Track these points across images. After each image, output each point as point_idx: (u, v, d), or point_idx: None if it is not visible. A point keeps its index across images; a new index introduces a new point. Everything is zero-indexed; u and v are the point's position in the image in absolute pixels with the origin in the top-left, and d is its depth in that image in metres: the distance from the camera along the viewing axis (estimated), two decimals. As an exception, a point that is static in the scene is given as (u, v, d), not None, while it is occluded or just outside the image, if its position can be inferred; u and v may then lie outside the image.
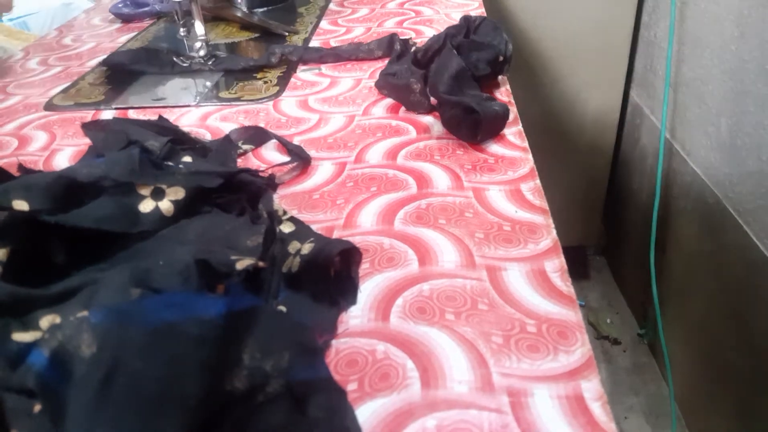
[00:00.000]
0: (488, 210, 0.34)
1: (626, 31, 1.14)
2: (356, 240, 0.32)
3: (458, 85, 0.43)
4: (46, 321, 0.21)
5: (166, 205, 0.29)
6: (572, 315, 0.26)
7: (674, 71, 1.02)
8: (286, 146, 0.42)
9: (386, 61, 0.52)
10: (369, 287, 0.29)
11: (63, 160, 0.44)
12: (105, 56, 0.65)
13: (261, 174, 0.36)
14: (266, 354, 0.21)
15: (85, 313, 0.20)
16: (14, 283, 0.23)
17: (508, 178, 0.37)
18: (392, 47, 0.57)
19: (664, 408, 1.10)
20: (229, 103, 0.52)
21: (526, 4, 1.12)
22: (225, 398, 0.20)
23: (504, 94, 0.49)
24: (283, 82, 0.55)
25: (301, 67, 0.59)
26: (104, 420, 0.18)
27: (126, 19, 0.81)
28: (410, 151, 0.41)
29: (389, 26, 0.69)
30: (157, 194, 0.29)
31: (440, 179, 0.38)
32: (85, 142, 0.43)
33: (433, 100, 0.47)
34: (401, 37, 0.58)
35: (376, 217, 0.34)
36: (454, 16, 0.71)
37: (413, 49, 0.48)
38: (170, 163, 0.35)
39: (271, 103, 0.52)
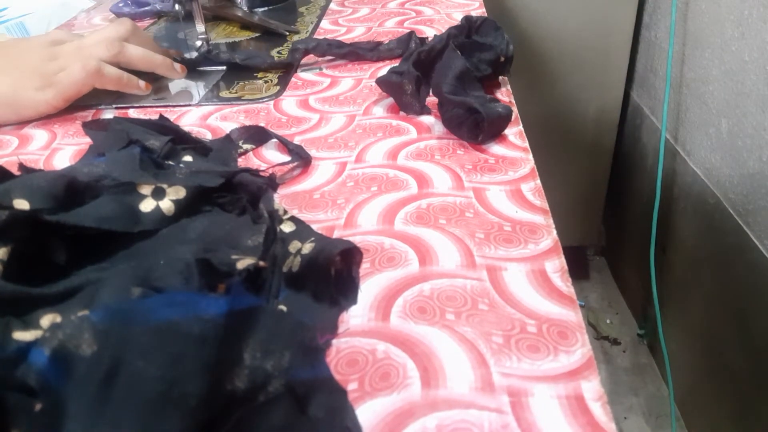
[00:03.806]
0: (489, 210, 0.34)
1: (627, 31, 1.14)
2: (357, 240, 0.32)
3: (462, 85, 0.44)
4: (46, 320, 0.22)
5: (166, 205, 0.29)
6: (572, 315, 0.26)
7: (675, 72, 1.02)
8: (287, 146, 0.42)
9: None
10: (369, 287, 0.29)
11: (63, 160, 0.44)
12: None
13: (261, 173, 0.36)
14: (267, 353, 0.21)
15: (86, 312, 0.20)
16: (15, 282, 0.23)
17: (509, 179, 0.37)
18: (409, 45, 0.57)
19: (663, 408, 1.10)
20: (229, 103, 0.52)
21: (526, 4, 1.12)
22: (226, 398, 0.20)
23: (505, 94, 0.49)
24: (283, 81, 0.55)
25: (301, 67, 0.59)
26: (105, 419, 0.18)
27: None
28: (411, 151, 0.41)
29: (390, 26, 0.69)
30: (158, 193, 0.30)
31: (441, 179, 0.38)
32: (86, 141, 0.43)
33: (428, 101, 0.47)
34: (419, 36, 0.58)
35: (377, 217, 0.34)
36: (455, 17, 0.71)
37: (418, 49, 0.48)
38: (171, 163, 0.35)
39: (271, 102, 0.52)
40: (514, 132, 0.43)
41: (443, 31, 0.51)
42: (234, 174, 0.33)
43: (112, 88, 0.51)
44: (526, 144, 0.41)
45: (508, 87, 0.51)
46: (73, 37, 0.52)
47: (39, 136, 0.48)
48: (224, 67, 0.60)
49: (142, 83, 0.53)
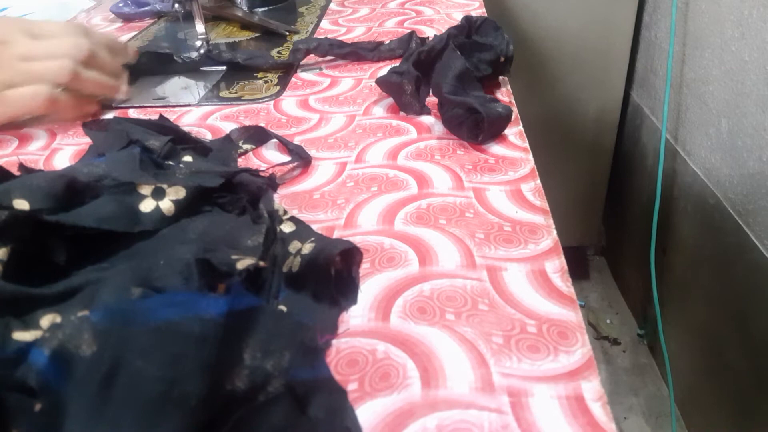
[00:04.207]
0: (489, 210, 0.34)
1: (627, 31, 1.14)
2: (357, 240, 0.32)
3: (462, 85, 0.44)
4: (46, 320, 0.21)
5: (166, 205, 0.29)
6: (572, 315, 0.26)
7: (675, 72, 1.02)
8: (287, 146, 0.42)
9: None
10: (369, 287, 0.29)
11: (63, 160, 0.44)
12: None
13: (261, 174, 0.36)
14: (267, 353, 0.21)
15: (85, 312, 0.20)
16: (15, 282, 0.23)
17: (509, 179, 0.37)
18: (410, 45, 0.57)
19: (663, 408, 1.10)
20: (229, 103, 0.52)
21: (526, 4, 1.12)
22: (226, 398, 0.20)
23: (505, 94, 0.49)
24: (283, 81, 0.55)
25: (302, 67, 0.59)
26: (105, 419, 0.18)
27: (127, 18, 0.81)
28: (411, 151, 0.41)
29: (390, 26, 0.69)
30: (158, 194, 0.29)
31: (441, 179, 0.38)
32: (86, 141, 0.43)
33: (428, 101, 0.47)
34: (420, 36, 0.58)
35: (377, 217, 0.34)
36: (455, 16, 0.71)
37: (418, 49, 0.48)
38: (171, 163, 0.35)
39: (271, 102, 0.52)
40: (514, 132, 0.43)
41: (443, 31, 0.51)
42: (234, 174, 0.33)
43: (61, 114, 0.48)
44: (526, 144, 0.41)
45: (508, 87, 0.51)
46: (15, 33, 0.46)
47: (39, 136, 0.48)
48: (224, 67, 0.60)
49: (93, 106, 0.51)
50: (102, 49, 0.51)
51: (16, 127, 0.50)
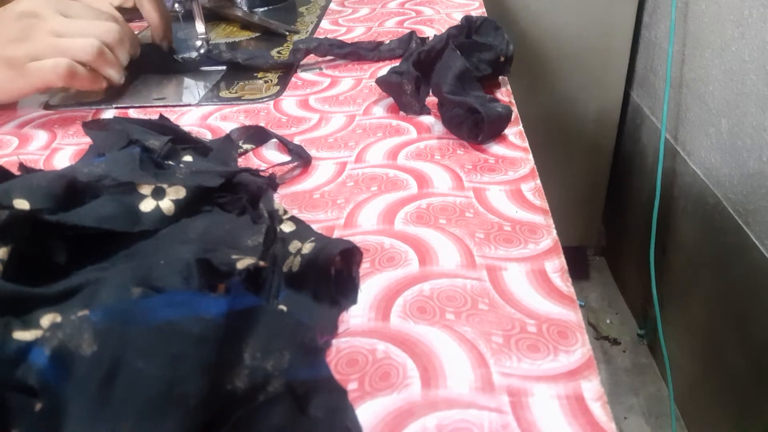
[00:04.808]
0: (489, 210, 0.34)
1: (627, 31, 1.14)
2: (357, 240, 0.32)
3: (461, 85, 0.44)
4: (46, 320, 0.21)
5: (166, 205, 0.29)
6: (572, 315, 0.26)
7: (675, 72, 1.02)
8: (287, 146, 0.42)
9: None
10: (369, 287, 0.29)
11: (64, 159, 0.44)
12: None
13: (261, 173, 0.36)
14: (267, 353, 0.21)
15: (86, 312, 0.20)
16: (15, 282, 0.23)
17: (509, 179, 0.37)
18: (410, 45, 0.57)
19: (663, 408, 1.10)
20: (229, 103, 0.52)
21: (526, 4, 1.12)
22: (226, 398, 0.20)
23: (504, 94, 0.49)
24: (283, 81, 0.55)
25: (302, 67, 0.59)
26: (105, 419, 0.18)
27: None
28: (411, 151, 0.41)
29: (390, 26, 0.69)
30: (158, 193, 0.30)
31: (441, 179, 0.38)
32: (86, 141, 0.43)
33: (428, 101, 0.47)
34: (420, 36, 0.58)
35: (377, 217, 0.34)
36: (455, 16, 0.71)
37: (418, 49, 0.48)
38: (171, 163, 0.35)
39: (271, 102, 0.52)
40: (514, 132, 0.43)
41: (443, 31, 0.51)
42: (234, 174, 0.33)
43: (78, 87, 0.49)
44: (526, 144, 0.41)
45: (508, 87, 0.51)
46: (50, 9, 0.47)
47: (39, 136, 0.48)
48: (224, 67, 0.60)
49: (103, 84, 0.51)
50: (127, 39, 0.53)
51: (16, 126, 0.50)
